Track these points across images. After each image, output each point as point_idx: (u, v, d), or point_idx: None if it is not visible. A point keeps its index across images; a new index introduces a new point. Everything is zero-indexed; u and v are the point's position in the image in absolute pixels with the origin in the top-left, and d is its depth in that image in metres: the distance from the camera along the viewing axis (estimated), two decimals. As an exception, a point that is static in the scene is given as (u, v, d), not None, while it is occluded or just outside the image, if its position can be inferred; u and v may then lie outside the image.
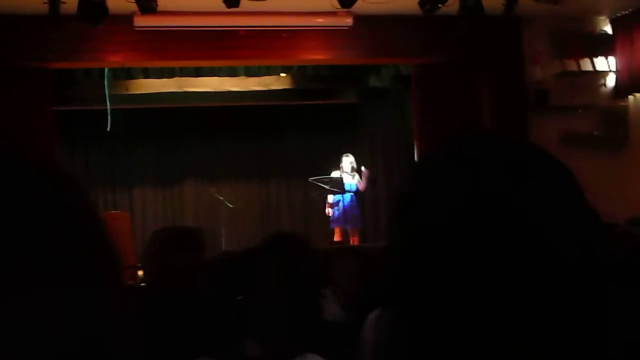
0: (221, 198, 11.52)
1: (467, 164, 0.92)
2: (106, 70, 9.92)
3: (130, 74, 10.26)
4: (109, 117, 9.94)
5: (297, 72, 11.05)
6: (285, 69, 10.88)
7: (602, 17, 10.06)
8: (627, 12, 9.81)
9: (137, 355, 0.76)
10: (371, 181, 12.41)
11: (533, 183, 0.89)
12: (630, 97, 10.02)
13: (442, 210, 0.88)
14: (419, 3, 8.36)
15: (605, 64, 9.98)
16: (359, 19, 9.12)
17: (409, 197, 0.95)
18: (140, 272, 7.45)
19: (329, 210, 10.95)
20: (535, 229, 0.85)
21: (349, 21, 9.17)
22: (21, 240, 0.67)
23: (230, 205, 11.67)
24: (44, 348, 0.66)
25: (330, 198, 10.84)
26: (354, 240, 10.73)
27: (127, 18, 8.63)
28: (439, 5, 8.20)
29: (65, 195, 0.73)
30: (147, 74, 10.37)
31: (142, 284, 4.36)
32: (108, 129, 10.00)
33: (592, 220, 0.91)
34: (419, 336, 0.89)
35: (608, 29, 10.03)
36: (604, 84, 10.04)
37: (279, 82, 11.59)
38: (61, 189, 0.74)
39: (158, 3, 8.03)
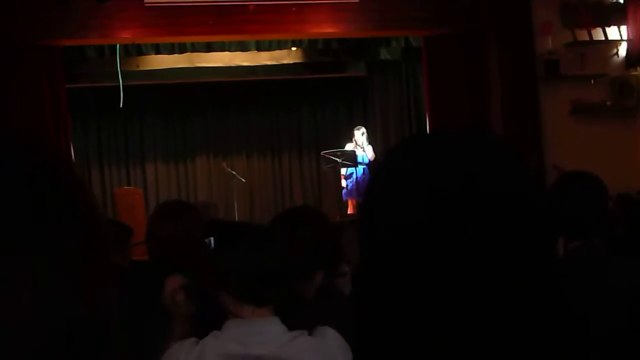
0: (234, 172, 11.56)
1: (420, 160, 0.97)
2: (117, 47, 9.94)
3: (141, 50, 10.27)
4: (121, 94, 9.96)
5: (308, 46, 11.04)
6: (296, 43, 10.87)
7: (614, -14, 9.99)
8: (638, -20, 9.74)
9: (118, 328, 0.76)
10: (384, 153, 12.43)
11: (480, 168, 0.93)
12: (643, 67, 9.98)
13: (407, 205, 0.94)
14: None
15: (617, 33, 9.90)
16: (368, -9, 9.11)
17: (372, 201, 1.01)
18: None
19: (344, 182, 11.00)
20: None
21: (358, -7, 9.14)
22: None
23: (243, 180, 11.72)
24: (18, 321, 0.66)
25: (344, 170, 10.87)
26: (367, 213, 10.76)
27: (137, -6, 8.66)
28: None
29: (41, 166, 0.73)
30: (158, 49, 10.39)
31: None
32: (120, 106, 10.03)
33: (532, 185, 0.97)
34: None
35: (619, -3, 9.96)
36: (616, 54, 9.98)
37: (289, 56, 11.60)
38: (34, 160, 0.74)
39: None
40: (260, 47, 10.65)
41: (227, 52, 10.80)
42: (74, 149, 9.64)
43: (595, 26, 9.76)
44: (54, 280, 0.69)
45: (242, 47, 10.60)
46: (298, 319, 2.34)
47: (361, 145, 10.82)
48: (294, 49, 11.21)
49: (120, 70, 9.99)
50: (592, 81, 9.76)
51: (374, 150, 11.00)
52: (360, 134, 10.91)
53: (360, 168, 10.75)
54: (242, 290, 2.30)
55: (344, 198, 11.14)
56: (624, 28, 9.86)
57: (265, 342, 2.26)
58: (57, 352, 0.68)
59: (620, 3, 9.92)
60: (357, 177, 10.73)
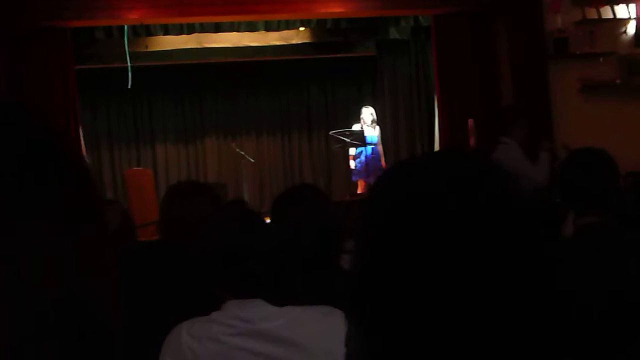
0: (243, 153, 11.56)
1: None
2: (125, 27, 9.94)
3: (149, 31, 10.28)
4: (129, 75, 9.97)
5: (317, 26, 11.02)
6: (305, 23, 10.85)
7: (623, -37, 9.92)
8: (648, -43, 9.68)
9: (116, 310, 0.74)
10: (393, 133, 12.43)
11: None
12: (652, 45, 9.92)
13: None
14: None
15: (625, 11, 9.85)
16: (377, -30, 9.08)
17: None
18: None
19: (352, 163, 10.96)
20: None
21: (366, -27, 9.11)
22: None
23: (252, 160, 11.74)
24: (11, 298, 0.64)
25: (353, 150, 10.84)
26: (377, 193, 10.72)
27: (145, -25, 8.64)
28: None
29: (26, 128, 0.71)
30: (167, 30, 10.38)
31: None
32: (129, 87, 10.04)
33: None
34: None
35: (628, -25, 9.89)
36: (625, 32, 9.92)
37: (298, 36, 11.58)
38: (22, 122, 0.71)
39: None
40: (268, 27, 10.63)
41: (235, 33, 10.80)
42: (83, 130, 9.66)
43: (603, 4, 9.70)
44: (52, 246, 0.67)
45: (251, 27, 10.59)
46: (302, 297, 2.35)
47: (369, 125, 10.79)
48: (302, 28, 11.19)
49: (129, 51, 10.00)
50: (601, 59, 9.71)
51: (383, 130, 10.97)
52: (368, 113, 10.86)
53: (369, 148, 10.72)
54: (238, 271, 2.32)
55: (353, 179, 11.10)
56: (632, 6, 9.80)
57: (269, 318, 2.28)
58: (52, 320, 0.66)
59: (628, -19, 9.86)
60: (366, 157, 10.71)
